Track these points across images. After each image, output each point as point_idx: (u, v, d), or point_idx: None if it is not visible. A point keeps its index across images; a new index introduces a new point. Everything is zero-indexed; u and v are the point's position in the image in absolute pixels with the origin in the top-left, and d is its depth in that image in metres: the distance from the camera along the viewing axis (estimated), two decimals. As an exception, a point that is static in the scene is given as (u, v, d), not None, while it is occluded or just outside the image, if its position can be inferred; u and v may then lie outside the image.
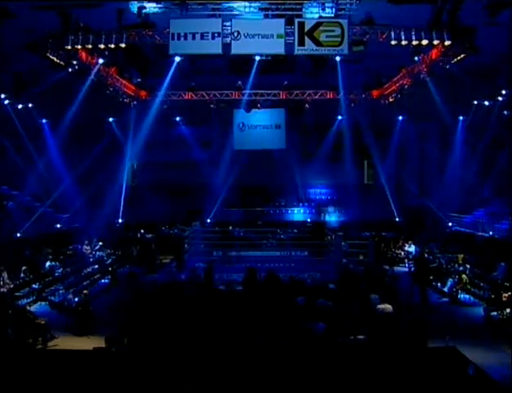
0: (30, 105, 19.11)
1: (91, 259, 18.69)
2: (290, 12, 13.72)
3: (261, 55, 15.21)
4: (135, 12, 13.81)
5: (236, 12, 13.85)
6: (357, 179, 25.30)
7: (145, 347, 9.29)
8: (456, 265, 16.90)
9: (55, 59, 14.66)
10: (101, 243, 20.09)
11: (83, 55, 15.33)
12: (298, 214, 25.70)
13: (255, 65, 17.05)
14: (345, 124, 23.80)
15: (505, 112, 19.17)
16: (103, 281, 17.37)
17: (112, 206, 23.28)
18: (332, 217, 24.87)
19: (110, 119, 23.46)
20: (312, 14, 13.91)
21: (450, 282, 15.69)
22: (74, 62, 15.25)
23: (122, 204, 24.40)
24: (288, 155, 25.18)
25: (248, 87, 19.95)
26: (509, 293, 12.73)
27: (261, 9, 13.83)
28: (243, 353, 8.45)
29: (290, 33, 13.61)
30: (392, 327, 10.19)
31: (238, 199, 25.21)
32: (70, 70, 15.36)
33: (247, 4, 13.64)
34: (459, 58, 14.58)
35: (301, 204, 26.05)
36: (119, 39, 13.97)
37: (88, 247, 19.56)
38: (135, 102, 21.11)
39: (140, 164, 25.47)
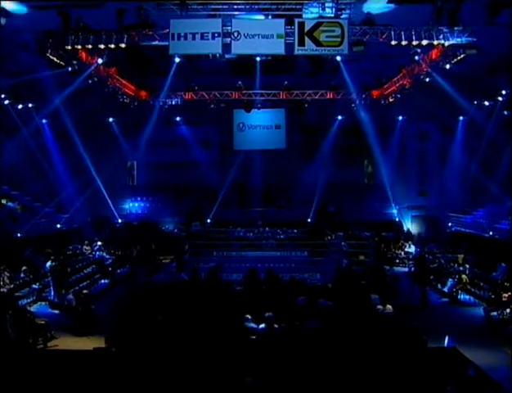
0: (30, 105, 19.12)
1: (91, 259, 18.72)
2: (290, 12, 13.72)
3: (261, 55, 15.21)
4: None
5: (236, 12, 13.84)
6: (357, 179, 25.29)
7: (145, 347, 9.28)
8: (456, 265, 16.91)
9: (55, 59, 14.65)
10: (100, 243, 20.09)
11: (83, 55, 15.33)
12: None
13: (258, 66, 17.06)
14: (345, 123, 23.82)
15: (505, 112, 19.17)
16: (103, 281, 17.36)
17: (112, 206, 23.33)
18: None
19: (110, 119, 23.46)
20: (312, 14, 13.91)
21: (450, 282, 15.70)
22: (74, 62, 15.25)
23: (121, 204, 24.45)
24: (288, 155, 25.20)
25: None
26: (509, 293, 12.73)
27: (261, 9, 13.82)
28: (243, 352, 8.44)
29: (290, 33, 13.60)
30: (392, 327, 10.19)
31: (238, 199, 25.20)
32: (70, 69, 15.36)
33: (247, 5, 13.65)
34: (459, 58, 14.58)
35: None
36: (119, 39, 13.96)
37: (88, 247, 19.58)
38: (135, 102, 21.12)
39: (140, 164, 25.50)
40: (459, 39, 13.71)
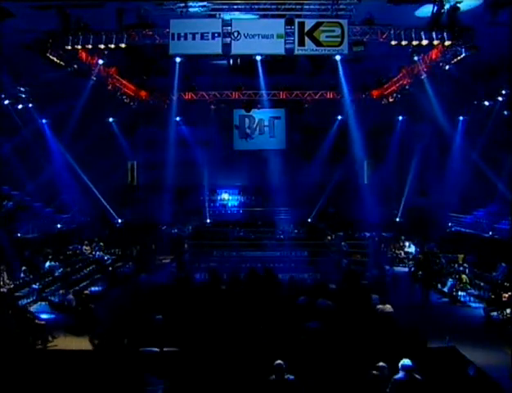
0: (30, 105, 19.11)
1: (91, 259, 18.73)
2: (290, 12, 13.72)
3: (261, 55, 15.20)
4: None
5: (236, 12, 13.84)
6: (357, 179, 25.28)
7: (145, 347, 9.27)
8: (456, 265, 16.92)
9: (55, 59, 14.65)
10: (101, 243, 20.09)
11: (83, 55, 15.33)
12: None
13: (260, 66, 17.05)
14: (345, 124, 23.80)
15: (505, 112, 19.14)
16: (103, 281, 17.35)
17: (112, 206, 23.33)
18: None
19: (110, 119, 23.46)
20: (312, 14, 13.90)
21: (450, 282, 15.72)
22: (74, 62, 15.26)
23: (121, 204, 24.43)
24: (288, 155, 25.21)
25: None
26: (509, 293, 12.75)
27: (261, 9, 13.82)
28: (244, 352, 8.45)
29: (290, 33, 13.59)
30: (392, 327, 10.19)
31: (238, 199, 25.23)
32: (70, 70, 15.36)
33: (247, 6, 13.65)
34: (459, 58, 14.57)
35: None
36: (119, 39, 13.95)
37: (88, 247, 19.59)
38: (135, 102, 21.13)
39: (140, 164, 25.51)
40: (459, 39, 13.71)
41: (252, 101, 21.93)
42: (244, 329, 9.59)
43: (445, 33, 13.54)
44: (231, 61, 18.26)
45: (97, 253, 19.45)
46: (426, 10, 13.76)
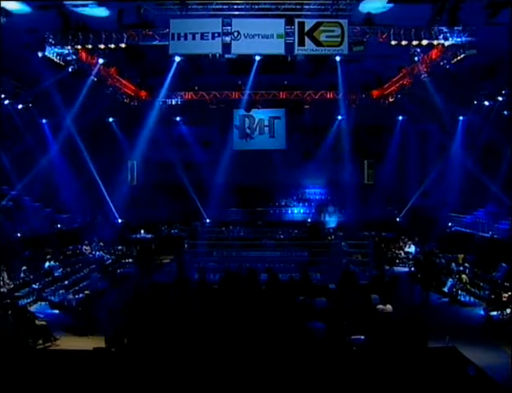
0: (30, 105, 19.09)
1: (91, 259, 18.73)
2: (290, 12, 13.72)
3: (261, 55, 15.22)
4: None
5: (236, 12, 13.85)
6: (357, 179, 25.30)
7: (145, 347, 9.28)
8: (456, 265, 16.92)
9: (55, 59, 14.65)
10: (101, 243, 20.08)
11: (83, 55, 15.34)
12: (297, 213, 25.75)
13: (255, 65, 17.06)
14: (345, 124, 23.82)
15: (505, 112, 19.13)
16: (103, 281, 17.33)
17: (112, 206, 23.33)
18: (332, 217, 24.89)
19: (110, 119, 23.46)
20: (312, 14, 13.91)
21: (450, 282, 15.71)
22: (74, 62, 15.26)
23: (122, 204, 24.44)
24: (288, 155, 25.22)
25: (248, 86, 19.86)
26: (509, 293, 12.75)
27: (261, 9, 13.83)
28: (243, 352, 8.44)
29: (290, 33, 13.62)
30: (392, 327, 10.19)
31: (238, 199, 25.23)
32: (70, 70, 15.36)
33: (247, 6, 13.65)
34: (459, 58, 14.58)
35: (301, 203, 26.14)
36: (119, 39, 13.98)
37: (88, 247, 19.59)
38: (135, 102, 21.12)
39: (140, 164, 25.52)
40: (459, 39, 13.71)
41: (252, 101, 21.94)
42: (243, 328, 9.59)
43: (445, 33, 13.55)
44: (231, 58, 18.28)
45: (97, 253, 19.44)
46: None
